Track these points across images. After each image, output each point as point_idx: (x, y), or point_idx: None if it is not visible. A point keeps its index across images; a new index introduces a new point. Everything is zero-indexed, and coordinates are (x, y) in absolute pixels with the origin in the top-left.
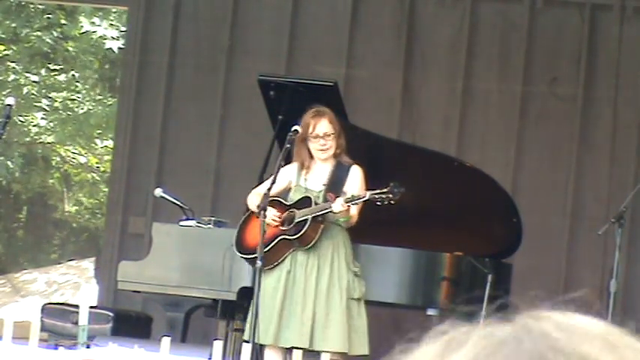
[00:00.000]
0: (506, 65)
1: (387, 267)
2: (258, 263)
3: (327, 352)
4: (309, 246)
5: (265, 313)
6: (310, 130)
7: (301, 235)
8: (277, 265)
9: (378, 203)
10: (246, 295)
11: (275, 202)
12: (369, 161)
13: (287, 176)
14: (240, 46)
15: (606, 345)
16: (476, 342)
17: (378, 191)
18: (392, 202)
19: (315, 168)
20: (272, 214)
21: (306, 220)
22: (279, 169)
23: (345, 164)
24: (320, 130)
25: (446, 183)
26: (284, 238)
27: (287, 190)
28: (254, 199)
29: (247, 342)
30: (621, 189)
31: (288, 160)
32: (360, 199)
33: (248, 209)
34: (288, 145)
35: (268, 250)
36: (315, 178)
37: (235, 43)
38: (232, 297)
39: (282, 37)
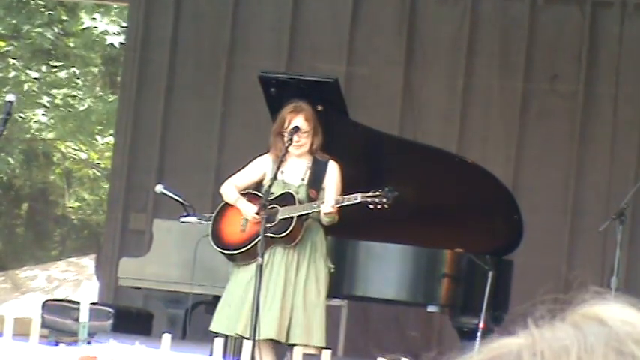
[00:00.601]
0: (507, 62)
1: (387, 263)
2: (259, 259)
3: (308, 346)
4: (293, 244)
5: (236, 305)
6: (285, 125)
7: (287, 234)
8: (255, 260)
9: (371, 207)
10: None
11: (254, 197)
12: (370, 158)
13: (261, 168)
14: (241, 42)
15: None
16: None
17: (370, 194)
18: (385, 206)
19: (291, 162)
20: (253, 211)
21: (291, 217)
22: (279, 167)
23: (322, 160)
24: (289, 129)
25: (447, 180)
26: (267, 236)
27: (260, 182)
28: (230, 192)
29: (214, 333)
30: (622, 186)
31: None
32: (351, 202)
33: (263, 207)
34: (289, 143)
35: (251, 247)
36: (292, 172)
37: (236, 40)
38: None
39: (283, 34)
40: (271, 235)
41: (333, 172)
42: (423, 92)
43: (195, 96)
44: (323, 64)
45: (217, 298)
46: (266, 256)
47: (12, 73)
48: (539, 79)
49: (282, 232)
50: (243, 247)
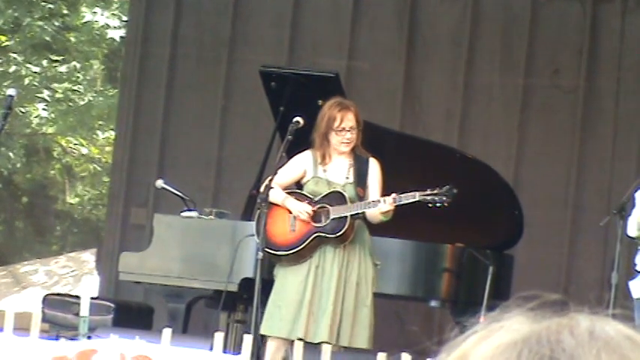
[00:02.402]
0: (508, 57)
1: (388, 258)
2: (260, 254)
3: (352, 348)
4: (345, 243)
5: (290, 308)
6: (337, 123)
7: (343, 233)
8: (305, 260)
9: (429, 205)
10: (248, 286)
11: (300, 196)
12: (371, 153)
13: (301, 165)
14: (242, 37)
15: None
16: (500, 336)
17: (429, 192)
18: (445, 204)
19: (334, 160)
20: (307, 210)
21: (345, 217)
22: (280, 160)
23: (363, 157)
24: (347, 124)
25: (448, 174)
26: (319, 235)
27: (299, 180)
28: (275, 190)
29: (266, 336)
30: (623, 181)
31: (289, 152)
32: (409, 200)
33: (263, 201)
34: (290, 137)
35: (303, 248)
36: (335, 170)
37: (237, 34)
38: (234, 288)
39: (284, 28)
40: (325, 234)
41: (375, 170)
42: (423, 87)
43: (195, 90)
44: (324, 59)
45: (218, 292)
46: (316, 256)
47: (12, 68)
48: (540, 74)
49: (338, 232)
50: (295, 247)
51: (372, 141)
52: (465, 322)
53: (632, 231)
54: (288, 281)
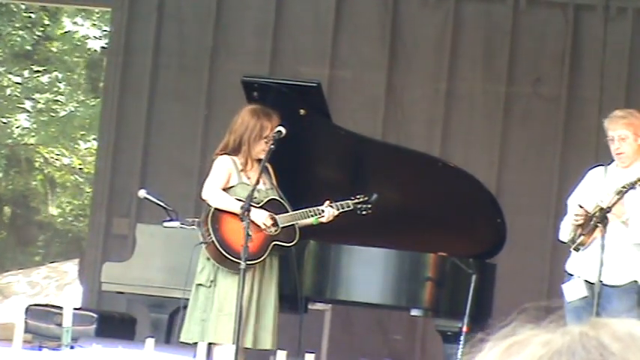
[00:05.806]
0: (489, 66)
1: (371, 268)
2: (242, 264)
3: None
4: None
5: (237, 317)
6: (267, 131)
7: (298, 242)
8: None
9: (358, 212)
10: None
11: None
12: (353, 162)
13: (227, 171)
14: (224, 46)
15: None
16: (534, 350)
17: (357, 201)
18: (369, 210)
19: (253, 167)
20: (267, 218)
21: (293, 225)
22: (262, 170)
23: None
24: (272, 133)
25: (430, 183)
26: (276, 244)
27: (225, 185)
28: (228, 199)
29: (188, 343)
30: None
31: (271, 162)
32: (344, 209)
33: (246, 210)
34: (273, 146)
35: (266, 256)
36: (254, 177)
37: (219, 43)
38: None
39: (266, 37)
40: (280, 243)
41: (273, 176)
42: (406, 96)
43: (178, 100)
44: (306, 68)
45: None
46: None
47: None
48: (522, 82)
49: (293, 241)
50: (260, 256)
51: (355, 151)
52: (447, 331)
53: (563, 236)
54: (234, 289)
